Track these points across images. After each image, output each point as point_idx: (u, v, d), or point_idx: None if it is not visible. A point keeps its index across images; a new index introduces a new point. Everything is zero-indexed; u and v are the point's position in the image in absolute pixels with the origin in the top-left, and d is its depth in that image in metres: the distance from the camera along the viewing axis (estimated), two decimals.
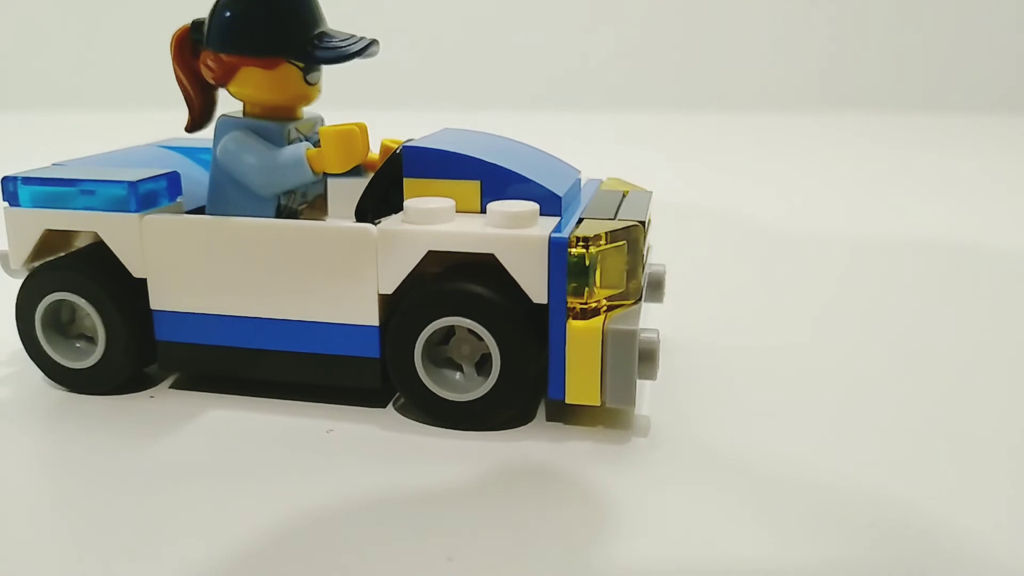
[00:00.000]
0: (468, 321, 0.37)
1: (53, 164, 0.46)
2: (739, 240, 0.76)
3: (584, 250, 0.37)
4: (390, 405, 0.41)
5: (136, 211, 0.40)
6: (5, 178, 0.42)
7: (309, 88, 0.42)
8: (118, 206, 0.40)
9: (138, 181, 0.40)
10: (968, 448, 0.37)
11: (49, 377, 0.43)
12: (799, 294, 0.60)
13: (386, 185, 0.42)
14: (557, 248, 0.36)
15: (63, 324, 0.43)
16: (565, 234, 0.37)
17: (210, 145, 0.50)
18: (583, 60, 1.83)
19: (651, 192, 0.46)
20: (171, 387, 0.43)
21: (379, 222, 0.39)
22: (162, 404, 0.41)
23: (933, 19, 1.77)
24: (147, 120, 1.47)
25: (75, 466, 0.36)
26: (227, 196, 0.42)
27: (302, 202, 0.44)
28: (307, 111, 0.44)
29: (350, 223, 0.39)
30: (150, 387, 0.43)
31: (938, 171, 1.11)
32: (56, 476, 0.36)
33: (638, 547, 0.30)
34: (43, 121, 1.62)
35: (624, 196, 0.45)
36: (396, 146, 0.44)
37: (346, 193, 0.48)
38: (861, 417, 0.40)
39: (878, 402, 0.42)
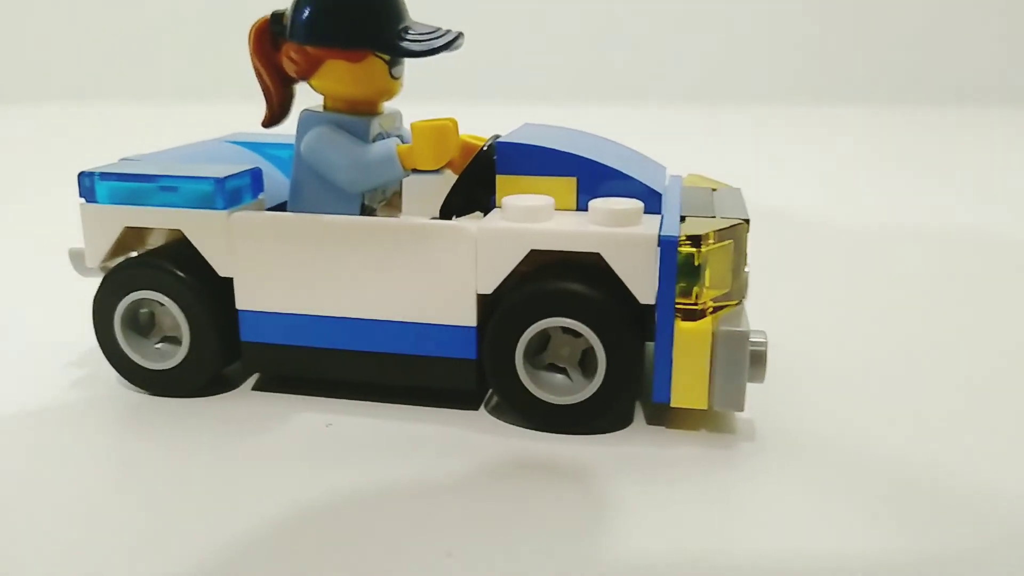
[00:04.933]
0: (573, 322, 0.36)
1: (121, 159, 0.45)
2: (792, 236, 0.75)
3: (695, 249, 0.36)
4: (482, 407, 0.40)
5: (223, 208, 0.39)
6: (82, 173, 0.40)
7: (393, 82, 0.41)
8: (203, 203, 0.39)
9: (225, 177, 0.39)
10: None
11: (126, 379, 0.42)
12: (865, 289, 0.59)
13: (475, 182, 0.41)
14: (667, 247, 0.35)
15: (140, 324, 0.42)
16: (674, 233, 0.36)
17: (279, 140, 0.50)
18: (601, 54, 1.82)
19: (739, 188, 0.45)
20: (253, 388, 0.42)
21: (473, 219, 0.38)
22: (244, 405, 0.40)
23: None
24: (208, 113, 1.46)
25: (154, 470, 0.35)
26: (310, 193, 0.40)
27: (381, 199, 0.43)
28: (387, 106, 0.43)
29: (449, 221, 0.38)
30: (229, 389, 0.42)
31: (999, 165, 1.10)
32: (135, 480, 0.35)
33: (756, 545, 0.29)
34: (101, 114, 1.59)
35: (713, 193, 0.44)
36: (478, 143, 0.43)
37: (418, 190, 0.47)
38: (965, 410, 0.40)
39: (979, 395, 0.41)
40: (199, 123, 1.34)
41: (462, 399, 0.41)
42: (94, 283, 0.45)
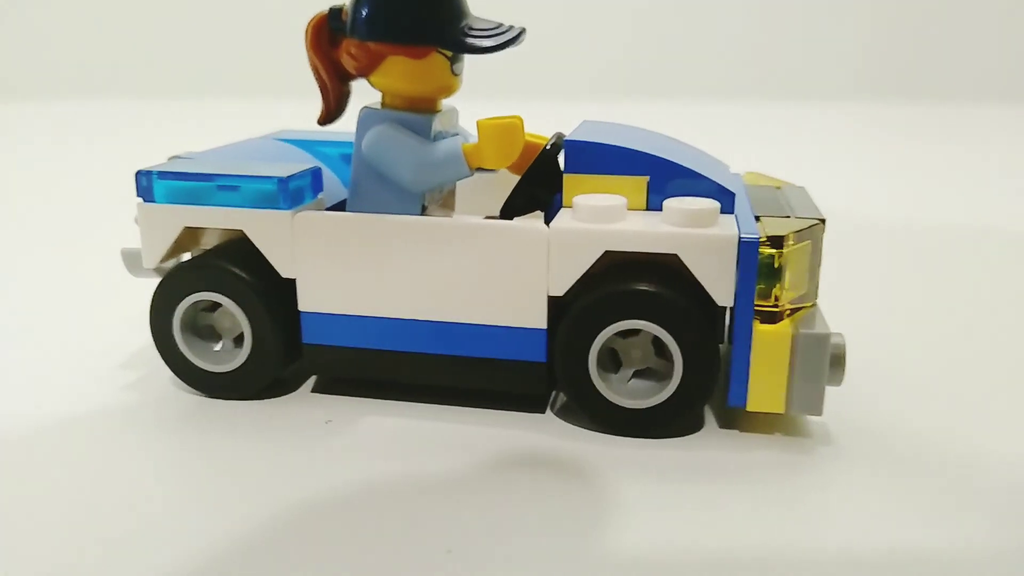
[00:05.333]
0: (649, 324, 0.36)
1: (171, 158, 0.44)
2: (842, 234, 0.74)
3: (776, 250, 0.35)
4: (548, 410, 0.40)
5: (287, 208, 0.38)
6: (139, 172, 0.40)
7: (454, 79, 0.40)
8: (265, 202, 0.38)
9: (288, 176, 0.38)
10: None
11: (184, 381, 0.41)
12: (926, 288, 0.58)
13: (539, 181, 0.41)
14: (747, 249, 0.35)
15: (199, 326, 0.41)
16: (754, 234, 0.35)
17: (327, 138, 0.49)
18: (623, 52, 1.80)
19: (803, 187, 0.44)
20: (312, 391, 0.41)
21: (534, 218, 0.37)
22: (303, 408, 0.40)
23: None
24: (247, 109, 1.45)
25: (212, 473, 0.35)
26: (370, 192, 0.39)
27: (437, 198, 0.42)
28: (444, 103, 0.42)
29: (521, 222, 0.37)
30: (287, 392, 0.41)
31: None
32: (192, 483, 0.34)
33: (839, 549, 0.29)
34: (139, 111, 1.58)
35: (779, 191, 0.43)
36: (538, 141, 0.42)
37: (469, 189, 0.46)
38: None
39: None
40: (238, 119, 1.33)
41: (528, 402, 0.40)
42: (143, 284, 0.45)
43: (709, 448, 0.36)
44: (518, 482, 0.34)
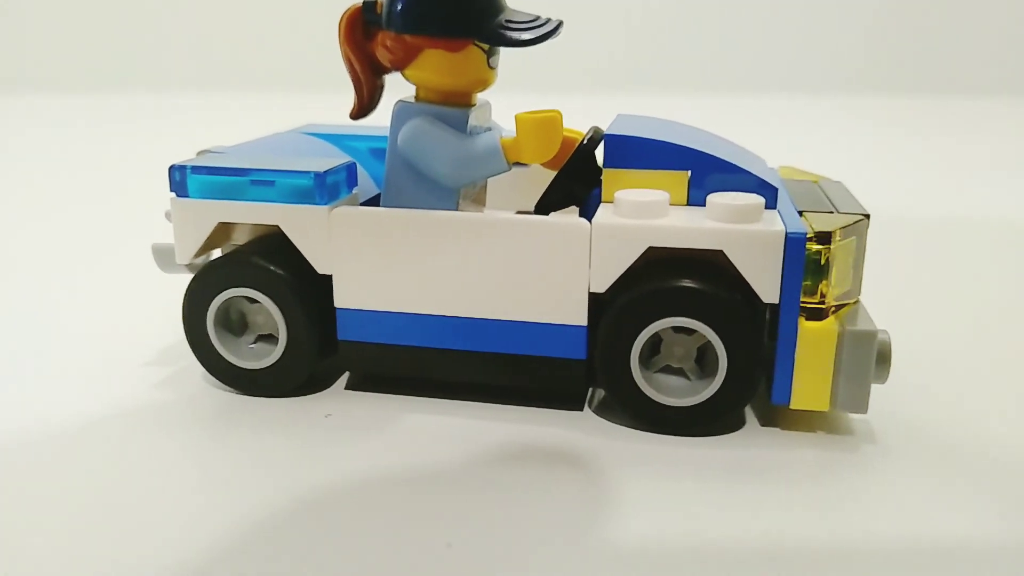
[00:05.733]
0: (693, 321, 0.35)
1: (200, 152, 0.43)
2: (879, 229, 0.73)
3: (823, 246, 0.34)
4: (586, 407, 0.39)
5: (324, 203, 0.38)
6: (172, 167, 0.39)
7: (490, 72, 0.39)
8: (301, 198, 0.38)
9: (325, 171, 0.38)
10: None
11: (217, 378, 0.40)
12: (962, 282, 0.58)
13: (576, 177, 0.40)
14: (794, 244, 0.34)
15: (231, 322, 0.40)
16: (801, 229, 0.34)
17: (354, 132, 0.48)
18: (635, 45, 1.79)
19: (840, 181, 0.44)
20: (346, 388, 0.41)
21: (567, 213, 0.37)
22: (337, 405, 0.39)
23: None
24: (269, 104, 1.44)
25: (236, 468, 0.34)
26: (405, 188, 0.39)
27: (470, 194, 0.42)
28: (478, 97, 0.42)
29: (563, 217, 0.37)
30: (320, 389, 0.41)
31: None
32: (213, 479, 0.34)
33: (892, 546, 0.28)
34: (161, 104, 1.57)
35: (817, 185, 0.42)
36: (574, 136, 0.42)
37: (499, 183, 0.45)
38: None
39: None
40: (261, 112, 1.32)
41: (565, 399, 0.39)
42: (171, 279, 0.44)
43: (752, 446, 0.36)
44: (554, 479, 0.33)
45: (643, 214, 0.36)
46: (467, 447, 0.36)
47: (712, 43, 1.74)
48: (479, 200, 0.44)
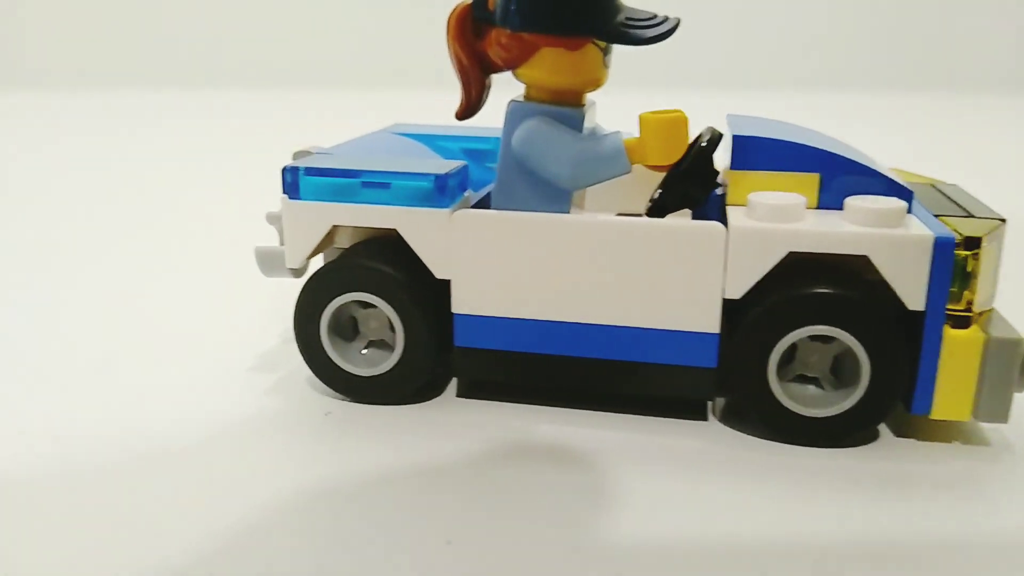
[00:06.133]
0: (835, 329, 0.34)
1: (296, 153, 0.42)
2: None
3: (970, 252, 0.33)
4: (711, 416, 0.38)
5: (446, 206, 0.37)
6: (286, 168, 0.38)
7: (604, 71, 0.38)
8: (420, 200, 0.37)
9: (445, 174, 0.37)
10: None
11: (328, 385, 0.39)
12: None
13: (693, 178, 0.39)
14: (943, 249, 0.33)
15: (342, 328, 0.39)
16: (948, 234, 0.33)
17: (445, 132, 0.47)
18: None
19: (955, 184, 0.43)
20: (457, 395, 0.40)
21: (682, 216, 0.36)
22: (453, 413, 0.38)
23: None
24: (347, 102, 1.42)
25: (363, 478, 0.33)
26: (517, 189, 0.38)
27: (576, 197, 0.41)
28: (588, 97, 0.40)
29: (698, 221, 0.36)
30: (433, 397, 0.40)
31: None
32: (338, 491, 0.33)
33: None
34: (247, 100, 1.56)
35: (935, 188, 0.41)
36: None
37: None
38: None
39: None
40: (339, 111, 1.29)
41: (689, 407, 0.38)
42: (272, 283, 0.43)
43: (893, 458, 0.35)
44: (694, 492, 0.32)
45: (782, 218, 0.35)
46: (602, 457, 0.35)
47: (786, 40, 1.72)
48: (579, 203, 0.43)
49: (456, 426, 0.37)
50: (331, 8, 1.78)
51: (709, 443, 0.36)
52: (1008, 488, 0.33)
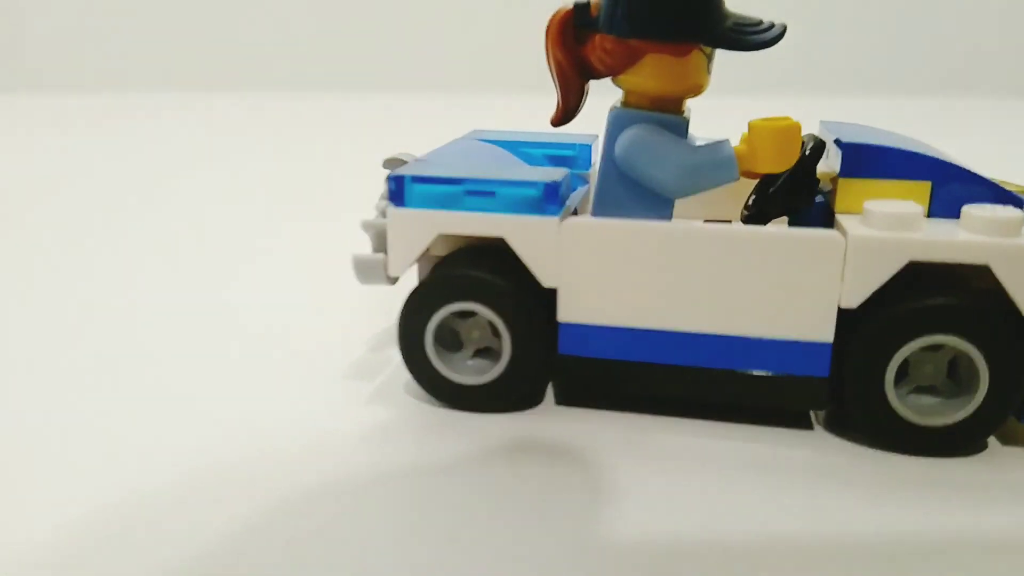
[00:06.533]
0: (956, 339, 0.34)
1: (386, 160, 0.42)
2: None
3: None
4: (817, 425, 0.38)
5: (554, 214, 0.36)
6: (391, 176, 0.38)
7: (706, 78, 0.38)
8: (527, 208, 0.37)
9: (555, 182, 0.36)
10: None
11: (432, 395, 0.39)
12: None
13: (795, 186, 0.39)
14: None
15: (445, 338, 0.39)
16: None
17: (523, 139, 0.47)
18: None
19: None
20: (557, 403, 0.40)
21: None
22: (555, 422, 0.38)
23: None
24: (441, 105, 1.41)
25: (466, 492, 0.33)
26: (619, 196, 0.38)
27: None
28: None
29: (815, 230, 0.35)
30: (531, 406, 0.40)
31: None
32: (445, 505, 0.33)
33: None
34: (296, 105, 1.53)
35: None
36: None
37: None
38: None
39: None
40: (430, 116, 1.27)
41: (795, 415, 0.38)
42: (364, 290, 0.43)
43: (1004, 470, 0.35)
44: (794, 501, 0.32)
45: (901, 226, 0.34)
46: (711, 465, 0.35)
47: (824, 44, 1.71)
48: None
49: (559, 435, 0.37)
50: (367, 10, 1.78)
51: (811, 451, 0.36)
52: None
